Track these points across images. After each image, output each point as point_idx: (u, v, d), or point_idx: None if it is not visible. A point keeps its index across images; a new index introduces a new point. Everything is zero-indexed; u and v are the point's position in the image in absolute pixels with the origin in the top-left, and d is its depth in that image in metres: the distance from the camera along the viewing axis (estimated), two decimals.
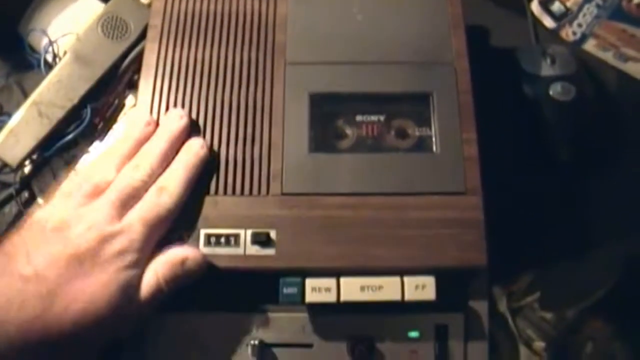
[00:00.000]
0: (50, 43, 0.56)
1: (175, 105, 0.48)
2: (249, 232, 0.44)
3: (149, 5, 0.58)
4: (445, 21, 0.50)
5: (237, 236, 0.44)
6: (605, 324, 0.63)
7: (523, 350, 0.54)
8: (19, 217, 0.55)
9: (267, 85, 0.48)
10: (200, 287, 0.44)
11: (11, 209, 0.55)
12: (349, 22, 0.50)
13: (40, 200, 0.55)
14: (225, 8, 0.51)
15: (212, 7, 0.51)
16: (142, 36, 0.56)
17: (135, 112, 0.49)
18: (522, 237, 0.52)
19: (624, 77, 0.59)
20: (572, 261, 0.55)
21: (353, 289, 0.43)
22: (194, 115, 0.47)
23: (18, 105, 0.55)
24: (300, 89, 0.48)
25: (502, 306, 0.56)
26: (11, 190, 0.55)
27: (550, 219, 0.54)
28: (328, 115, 0.48)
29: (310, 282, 0.43)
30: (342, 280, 0.43)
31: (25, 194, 0.55)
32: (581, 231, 0.54)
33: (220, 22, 0.50)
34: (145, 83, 0.48)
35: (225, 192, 0.45)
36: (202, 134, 0.47)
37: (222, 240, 0.44)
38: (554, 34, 0.61)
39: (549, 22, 0.60)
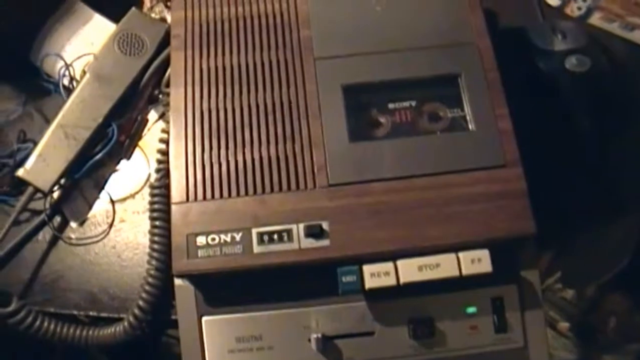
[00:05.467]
0: (67, 66, 0.56)
1: (209, 111, 0.48)
2: (301, 225, 0.44)
3: (162, 19, 0.59)
4: (463, 2, 0.51)
5: (289, 231, 0.44)
6: (624, 297, 0.64)
7: (548, 332, 0.54)
8: (53, 242, 0.54)
9: (300, 83, 0.48)
10: (259, 285, 0.45)
11: (44, 235, 0.54)
12: (369, 12, 0.51)
13: (73, 223, 0.55)
14: (245, 12, 0.51)
15: (232, 11, 0.51)
16: (159, 50, 0.56)
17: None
18: (541, 213, 0.53)
19: (631, 46, 0.60)
20: (592, 231, 0.56)
21: (411, 270, 0.43)
22: (230, 119, 0.47)
23: (40, 131, 0.54)
24: (332, 82, 0.48)
25: None
26: (43, 216, 0.54)
27: (570, 189, 0.54)
28: (362, 105, 0.48)
29: (367, 268, 0.43)
30: (399, 262, 0.43)
31: (58, 219, 0.55)
32: (601, 200, 0.55)
33: (243, 25, 0.50)
34: (176, 91, 0.48)
35: (272, 190, 0.45)
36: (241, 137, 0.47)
37: (275, 237, 0.44)
38: (559, 11, 0.62)
39: (553, 0, 0.62)
